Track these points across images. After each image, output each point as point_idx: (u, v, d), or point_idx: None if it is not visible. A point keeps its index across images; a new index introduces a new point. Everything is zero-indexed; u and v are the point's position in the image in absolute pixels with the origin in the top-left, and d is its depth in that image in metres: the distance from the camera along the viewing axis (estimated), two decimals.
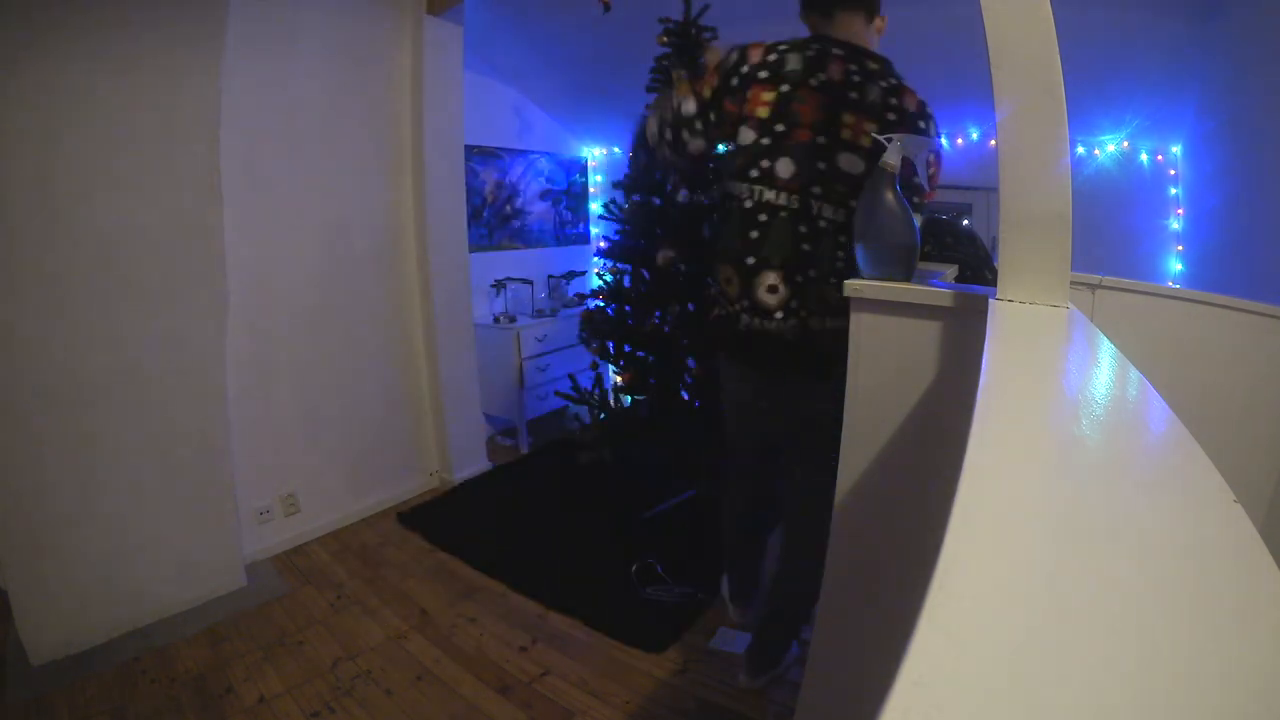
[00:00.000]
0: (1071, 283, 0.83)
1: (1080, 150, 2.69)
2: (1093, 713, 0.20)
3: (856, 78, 1.28)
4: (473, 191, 3.09)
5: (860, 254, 1.08)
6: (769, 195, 1.32)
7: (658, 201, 2.43)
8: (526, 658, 1.82)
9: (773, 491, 1.71)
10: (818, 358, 1.35)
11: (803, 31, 1.39)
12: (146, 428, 1.95)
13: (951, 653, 0.22)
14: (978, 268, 1.67)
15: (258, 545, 2.34)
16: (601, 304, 2.57)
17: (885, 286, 1.04)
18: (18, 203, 1.68)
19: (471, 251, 3.03)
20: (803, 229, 1.30)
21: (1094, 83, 2.41)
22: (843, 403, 1.11)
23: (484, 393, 3.16)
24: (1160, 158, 2.61)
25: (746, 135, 1.35)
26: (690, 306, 2.39)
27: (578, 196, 4.17)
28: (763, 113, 1.33)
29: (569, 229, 4.11)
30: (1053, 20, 0.75)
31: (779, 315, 1.35)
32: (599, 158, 4.23)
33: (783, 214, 1.31)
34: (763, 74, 1.34)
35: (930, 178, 1.32)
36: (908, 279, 1.06)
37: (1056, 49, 0.75)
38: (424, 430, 2.94)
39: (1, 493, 1.70)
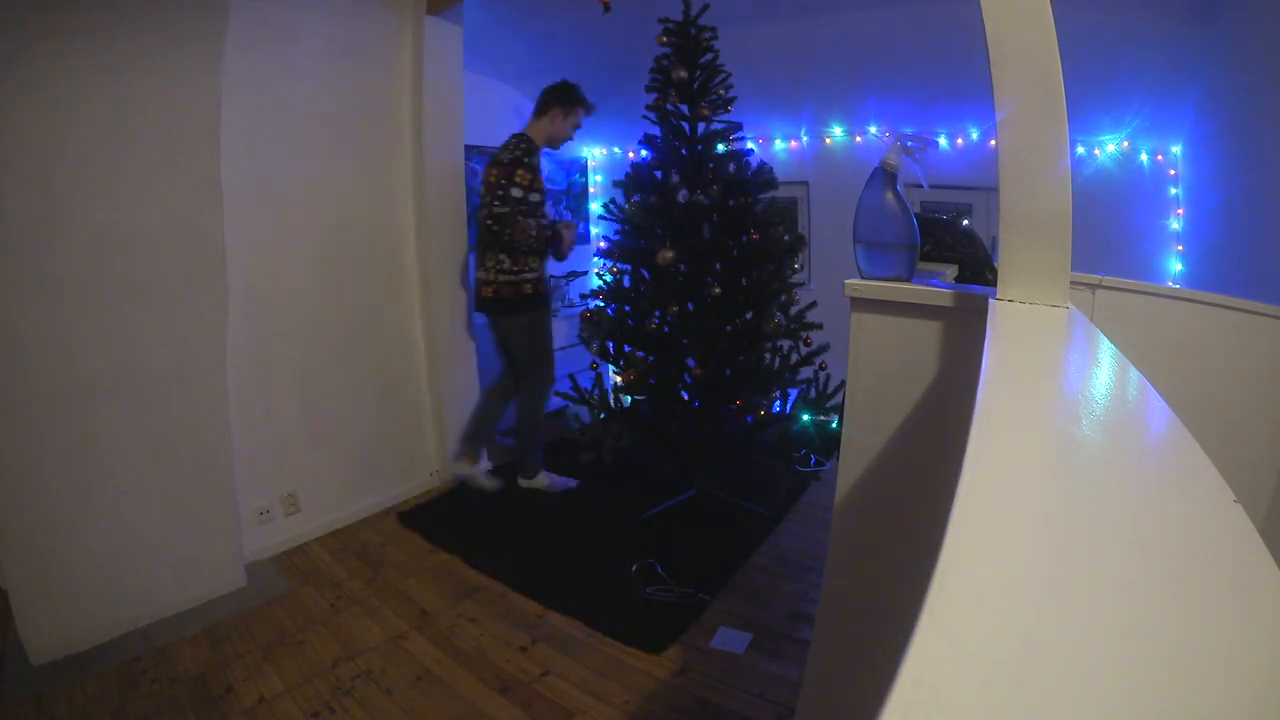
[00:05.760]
0: (1071, 283, 0.83)
1: (1080, 150, 2.69)
2: (1092, 713, 0.20)
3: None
4: (472, 191, 3.08)
5: (860, 254, 1.08)
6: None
7: (658, 201, 2.43)
8: (526, 658, 1.82)
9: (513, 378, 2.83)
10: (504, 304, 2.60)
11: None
12: (146, 427, 1.95)
13: (951, 653, 0.22)
14: (978, 268, 1.67)
15: (258, 545, 2.34)
16: (601, 304, 2.57)
17: (885, 286, 1.04)
18: (18, 203, 1.68)
19: (471, 251, 3.03)
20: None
21: (1094, 83, 2.41)
22: (530, 327, 2.66)
23: None
24: (1160, 158, 2.61)
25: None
26: (690, 306, 2.39)
27: (578, 196, 4.16)
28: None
29: None
30: (1053, 20, 0.75)
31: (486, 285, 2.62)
32: (599, 158, 4.23)
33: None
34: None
35: None
36: (908, 279, 1.06)
37: (1056, 49, 0.75)
38: (424, 430, 2.94)
39: (1, 493, 1.70)
